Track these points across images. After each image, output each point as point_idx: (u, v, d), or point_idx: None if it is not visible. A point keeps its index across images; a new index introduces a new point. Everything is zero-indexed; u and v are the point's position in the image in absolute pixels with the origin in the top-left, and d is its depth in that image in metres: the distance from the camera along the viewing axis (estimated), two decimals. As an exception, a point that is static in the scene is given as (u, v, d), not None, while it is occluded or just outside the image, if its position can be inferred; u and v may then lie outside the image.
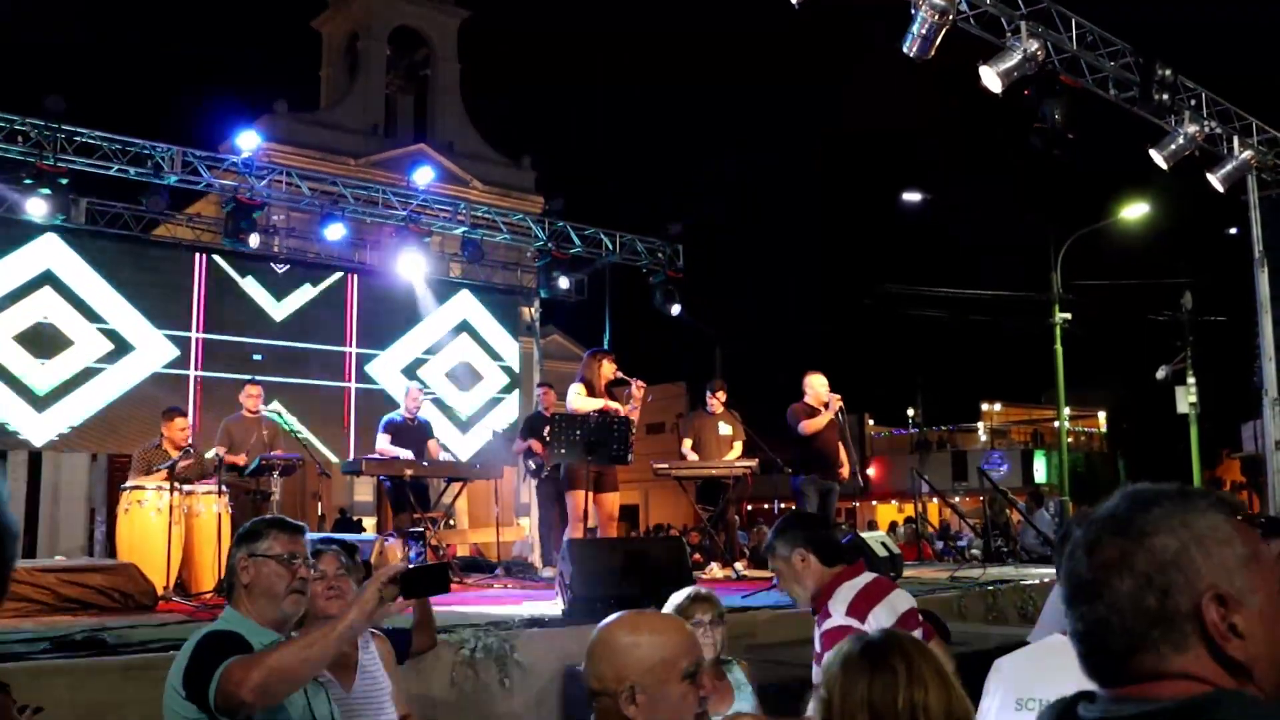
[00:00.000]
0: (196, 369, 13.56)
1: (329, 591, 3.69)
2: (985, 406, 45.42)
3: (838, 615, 3.78)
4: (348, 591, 3.67)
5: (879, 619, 3.71)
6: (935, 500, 29.79)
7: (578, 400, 9.20)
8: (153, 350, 13.33)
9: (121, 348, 13.12)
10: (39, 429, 12.60)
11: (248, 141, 13.29)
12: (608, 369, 9.33)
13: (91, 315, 12.97)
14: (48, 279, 12.72)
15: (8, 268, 12.48)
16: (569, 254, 15.63)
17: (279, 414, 10.49)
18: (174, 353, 13.47)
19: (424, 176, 14.98)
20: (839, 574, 3.94)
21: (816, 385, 10.49)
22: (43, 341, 12.59)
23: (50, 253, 12.76)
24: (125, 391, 13.07)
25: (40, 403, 12.53)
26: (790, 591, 4.03)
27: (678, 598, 4.11)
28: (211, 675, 2.64)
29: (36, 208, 11.83)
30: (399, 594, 2.77)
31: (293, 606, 3.06)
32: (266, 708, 2.67)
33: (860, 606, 3.79)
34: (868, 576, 3.98)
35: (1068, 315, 21.27)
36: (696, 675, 2.22)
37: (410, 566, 2.96)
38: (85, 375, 12.84)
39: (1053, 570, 10.38)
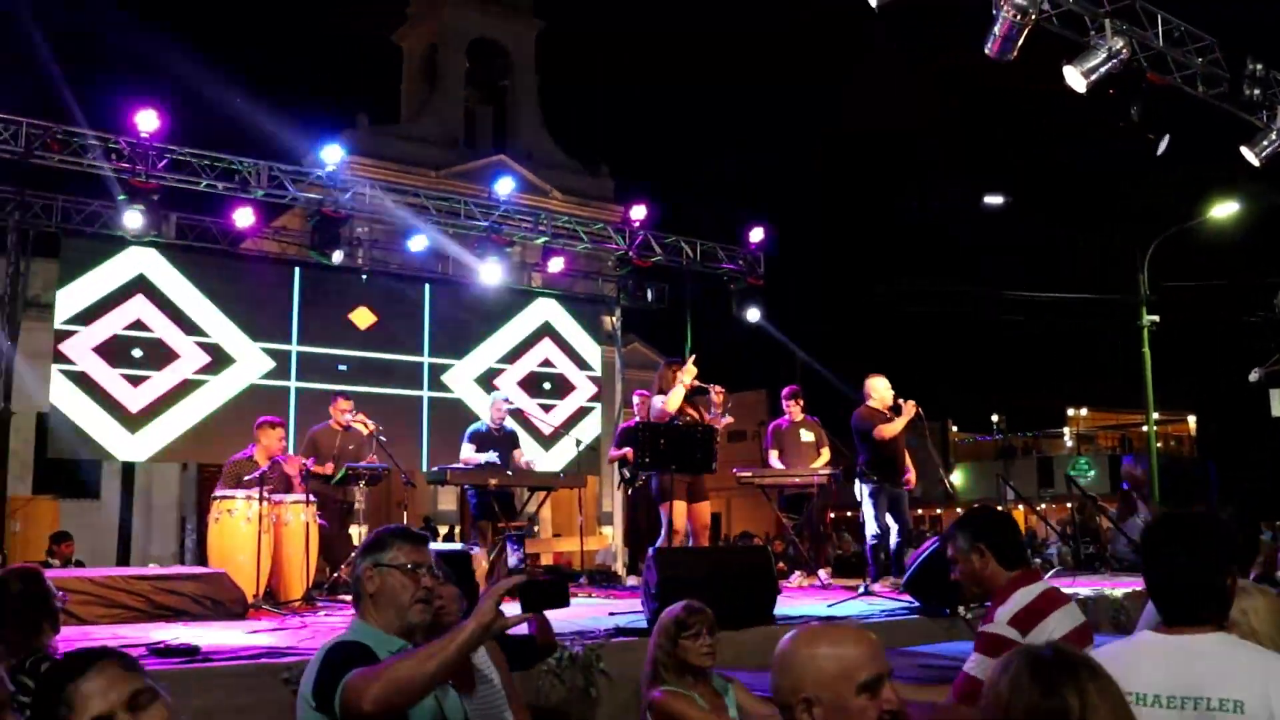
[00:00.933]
0: (294, 380, 13.85)
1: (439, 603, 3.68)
2: (1071, 411, 44.71)
3: (999, 622, 3.70)
4: (449, 598, 3.67)
5: (1043, 635, 3.57)
6: (1021, 507, 29.41)
7: (661, 402, 9.21)
8: (250, 362, 13.62)
9: (219, 360, 13.41)
10: (134, 448, 12.97)
11: (332, 155, 13.47)
12: (685, 377, 9.27)
13: (190, 328, 13.30)
14: (143, 292, 13.05)
15: (103, 282, 12.81)
16: (650, 262, 15.65)
17: (366, 423, 10.57)
18: (270, 364, 13.77)
19: (505, 187, 15.08)
20: (1016, 578, 3.82)
21: (879, 388, 10.25)
22: (137, 358, 12.88)
23: (148, 266, 13.12)
24: (222, 404, 13.38)
25: (133, 422, 12.85)
26: (965, 586, 3.97)
27: (674, 609, 4.19)
28: (337, 686, 2.69)
29: (132, 221, 12.08)
30: (522, 607, 2.79)
31: (419, 615, 3.08)
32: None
33: (1025, 619, 3.68)
34: (1042, 585, 3.86)
35: (1155, 318, 20.86)
36: (876, 687, 2.19)
37: (528, 579, 2.96)
38: (183, 390, 13.15)
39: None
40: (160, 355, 13.03)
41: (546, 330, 16.08)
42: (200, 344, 13.29)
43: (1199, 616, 2.63)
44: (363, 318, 14.50)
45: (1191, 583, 2.66)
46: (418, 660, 2.68)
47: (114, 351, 12.75)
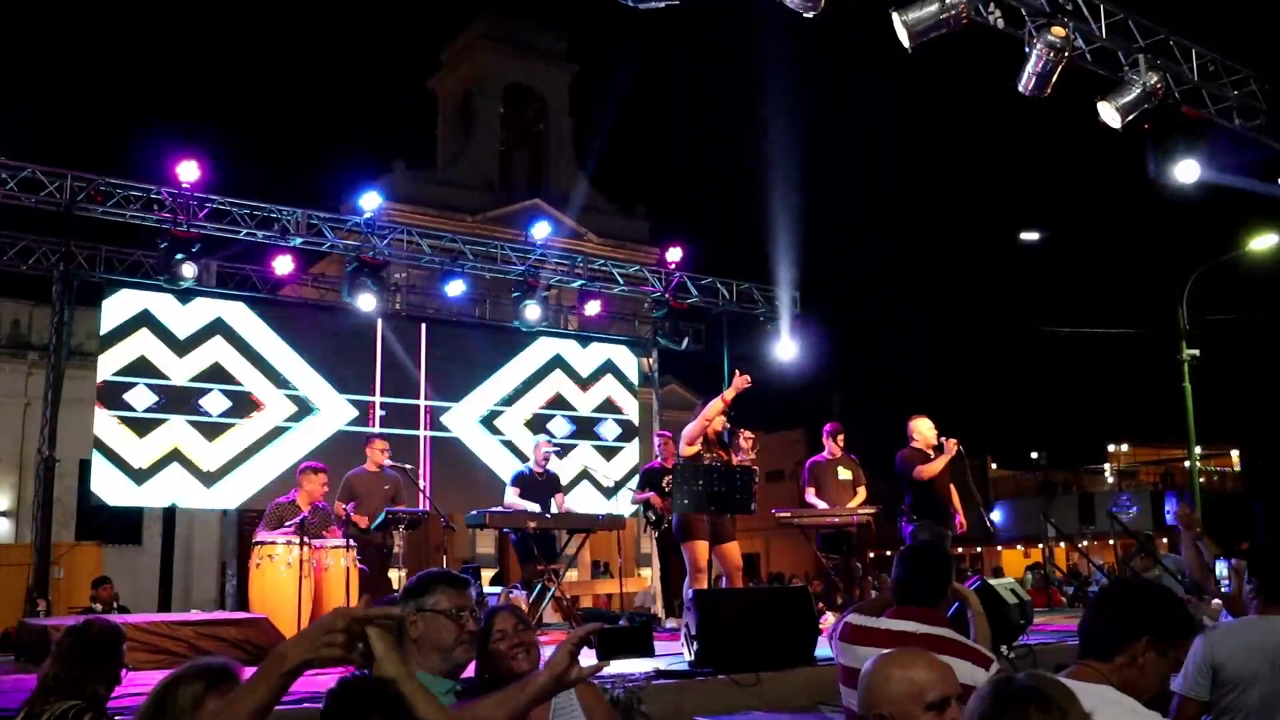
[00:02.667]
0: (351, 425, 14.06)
1: (514, 650, 3.58)
2: (1112, 447, 44.28)
3: None
4: (532, 644, 3.62)
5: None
6: (1062, 545, 29.12)
7: (686, 448, 9.17)
8: (278, 407, 13.77)
9: (245, 406, 13.57)
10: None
11: (370, 202, 13.61)
12: (715, 421, 9.23)
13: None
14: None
15: (146, 330, 13.04)
16: (686, 304, 15.69)
17: (405, 467, 10.62)
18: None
19: (541, 231, 15.17)
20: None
21: (923, 429, 10.23)
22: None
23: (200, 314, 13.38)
24: (247, 448, 13.55)
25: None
26: None
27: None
28: None
29: (187, 272, 12.27)
30: (599, 655, 2.75)
31: (464, 655, 3.11)
32: None
33: None
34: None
35: (1195, 351, 20.66)
36: (942, 708, 2.42)
37: (606, 626, 2.93)
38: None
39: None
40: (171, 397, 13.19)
41: (585, 375, 16.15)
42: (225, 391, 13.46)
43: (1090, 655, 2.84)
44: (404, 362, 14.65)
45: (1097, 629, 2.88)
46: (491, 705, 2.68)
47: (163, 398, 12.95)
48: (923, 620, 3.80)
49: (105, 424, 12.65)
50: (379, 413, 14.19)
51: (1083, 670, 2.77)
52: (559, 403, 15.88)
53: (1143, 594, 2.96)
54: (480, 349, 15.45)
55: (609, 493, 15.17)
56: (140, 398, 12.82)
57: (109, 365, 12.75)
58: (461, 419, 15.05)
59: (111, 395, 12.71)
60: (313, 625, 2.20)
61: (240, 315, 13.55)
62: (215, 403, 13.25)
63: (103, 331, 12.86)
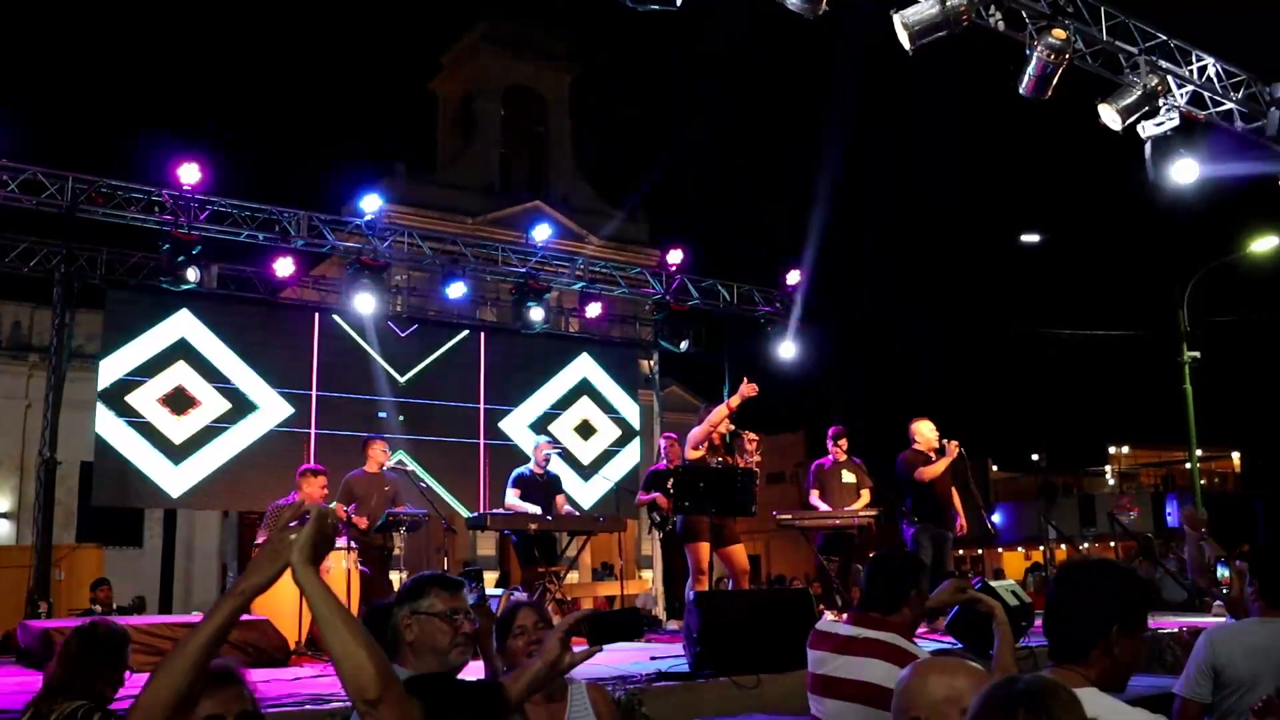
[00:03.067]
0: (315, 427, 13.93)
1: (530, 647, 3.62)
2: (1113, 449, 44.26)
3: None
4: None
5: None
6: (1063, 547, 29.09)
7: (691, 452, 9.19)
8: (273, 409, 13.73)
9: (243, 407, 13.53)
10: (175, 482, 13.05)
11: (371, 204, 13.60)
12: (716, 416, 9.25)
13: (215, 376, 13.44)
14: (181, 346, 13.20)
15: (150, 337, 13.03)
16: (687, 306, 15.69)
17: (405, 468, 10.62)
18: (290, 411, 13.92)
19: (542, 233, 15.17)
20: None
21: (925, 431, 10.26)
22: (178, 402, 13.03)
23: (183, 322, 13.27)
24: (246, 448, 13.50)
25: (176, 455, 12.99)
26: None
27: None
28: None
29: (190, 276, 12.28)
30: (590, 641, 2.73)
31: (459, 657, 3.09)
32: None
33: None
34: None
35: (1196, 353, 20.65)
36: None
37: (598, 612, 2.92)
38: (211, 433, 13.28)
39: (1193, 618, 10.05)
40: (187, 400, 13.17)
41: (584, 377, 16.17)
42: (221, 390, 13.43)
43: (1068, 658, 2.75)
44: (405, 365, 14.66)
45: (1069, 625, 2.78)
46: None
47: (160, 400, 12.94)
48: (877, 626, 3.86)
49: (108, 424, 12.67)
50: (380, 414, 14.18)
51: (1060, 675, 2.69)
52: (557, 404, 15.90)
53: (1102, 581, 2.83)
54: (487, 353, 15.45)
55: (585, 473, 15.21)
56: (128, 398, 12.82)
57: (107, 368, 12.76)
58: (462, 422, 15.08)
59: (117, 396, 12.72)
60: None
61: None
62: (176, 397, 13.19)
63: (105, 336, 12.91)
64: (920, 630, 8.96)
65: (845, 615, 4.06)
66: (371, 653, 2.22)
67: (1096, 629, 2.72)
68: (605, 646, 2.88)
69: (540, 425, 15.26)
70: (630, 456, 16.40)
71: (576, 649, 2.79)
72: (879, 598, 3.95)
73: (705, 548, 8.93)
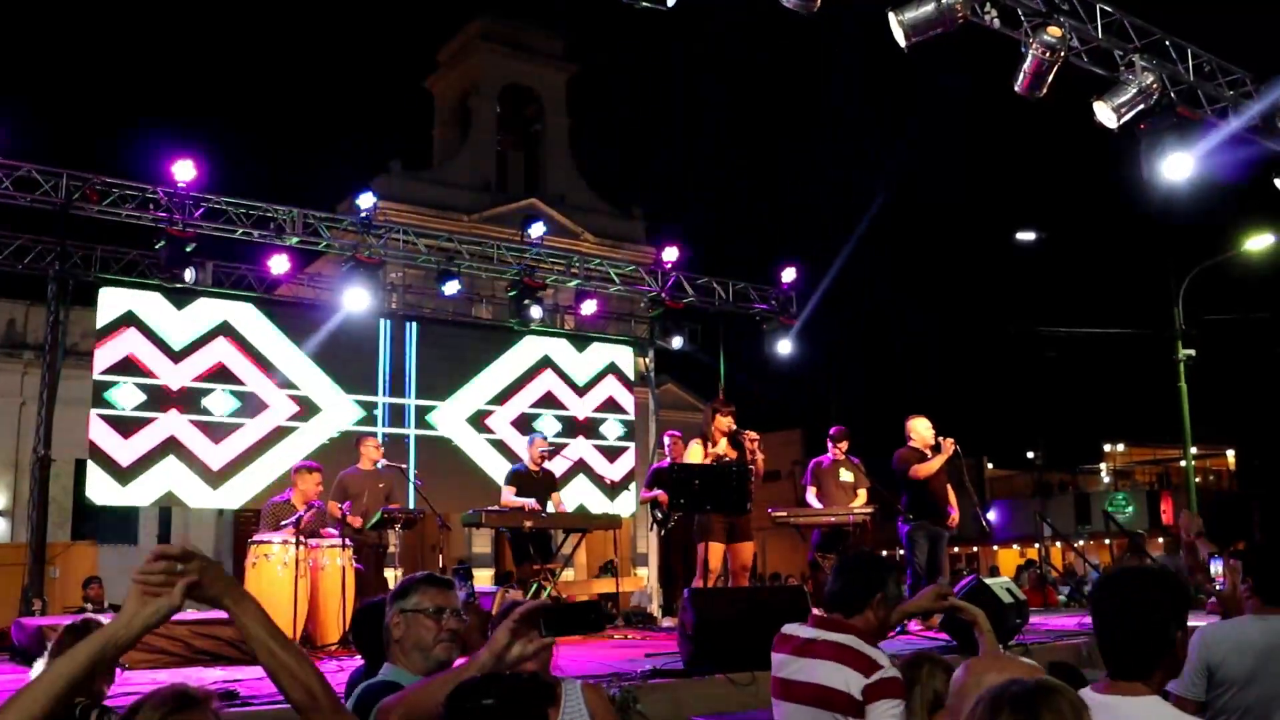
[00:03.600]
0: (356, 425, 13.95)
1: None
2: (1108, 447, 44.31)
3: None
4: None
5: None
6: (1058, 544, 29.15)
7: (691, 457, 9.25)
8: (280, 406, 13.71)
9: (244, 403, 13.49)
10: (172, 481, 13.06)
11: (366, 201, 13.59)
12: (723, 421, 9.30)
13: (212, 374, 13.38)
14: (177, 342, 13.14)
15: (146, 332, 12.94)
16: (682, 303, 15.68)
17: (400, 465, 10.60)
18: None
19: (537, 231, 15.16)
20: None
21: (921, 429, 10.27)
22: (169, 398, 13.01)
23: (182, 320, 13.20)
24: (245, 449, 13.45)
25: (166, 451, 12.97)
26: None
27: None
28: None
29: (186, 277, 12.26)
30: (543, 632, 2.66)
31: (445, 653, 3.14)
32: None
33: None
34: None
35: (1191, 351, 20.66)
36: None
37: (552, 603, 2.86)
38: (206, 430, 13.22)
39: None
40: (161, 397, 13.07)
41: (579, 374, 16.11)
42: (217, 387, 13.37)
43: (1133, 674, 2.66)
44: (401, 361, 14.62)
45: (1132, 639, 2.69)
46: (438, 685, 2.65)
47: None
48: (837, 629, 3.81)
49: (95, 423, 12.62)
50: (377, 412, 14.18)
51: (1120, 689, 2.66)
52: (549, 402, 15.82)
53: (1157, 589, 2.75)
54: (478, 350, 15.40)
55: (611, 493, 15.17)
56: (128, 396, 12.75)
57: (100, 363, 12.71)
58: (449, 418, 15.04)
59: (98, 394, 12.66)
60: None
61: (244, 315, 13.49)
62: (219, 402, 13.20)
63: (98, 333, 12.84)
64: (914, 627, 9.00)
65: (809, 618, 3.98)
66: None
67: (1162, 640, 2.67)
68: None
69: (525, 422, 15.24)
70: (628, 454, 16.35)
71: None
72: (842, 599, 3.90)
73: (719, 547, 8.96)
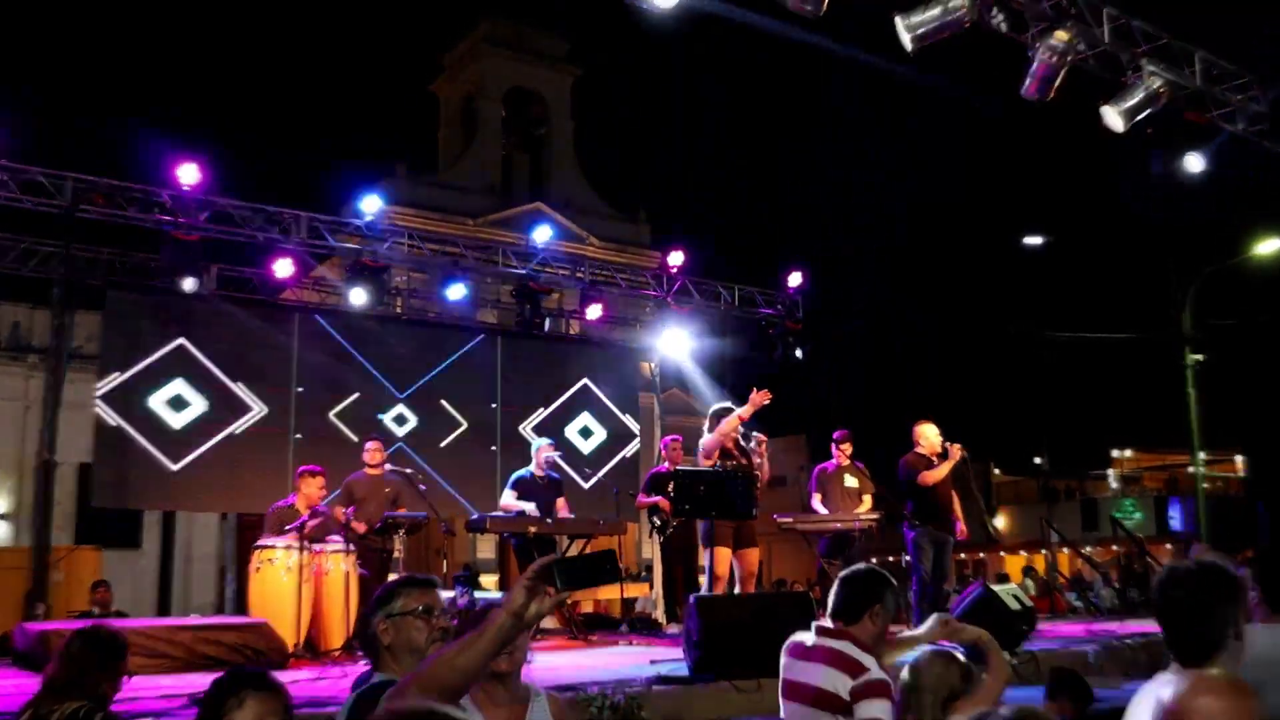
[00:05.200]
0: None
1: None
2: (1116, 453, 44.18)
3: None
4: (517, 647, 3.58)
5: None
6: (1065, 550, 29.03)
7: (704, 461, 9.17)
8: (278, 412, 13.59)
9: (238, 409, 13.30)
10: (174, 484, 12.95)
11: (371, 205, 13.56)
12: (728, 426, 9.22)
13: (212, 378, 13.23)
14: (179, 348, 13.05)
15: (149, 338, 12.87)
16: (688, 308, 15.65)
17: (406, 470, 10.57)
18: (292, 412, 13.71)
19: (542, 235, 15.13)
20: None
21: (929, 435, 10.25)
22: (176, 403, 12.92)
23: (182, 324, 13.12)
24: (245, 450, 13.25)
25: (175, 456, 12.82)
26: None
27: None
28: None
29: (187, 285, 12.20)
30: (559, 586, 2.57)
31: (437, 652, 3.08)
32: None
33: None
34: None
35: (1199, 356, 20.61)
36: None
37: (565, 556, 2.86)
38: (208, 434, 13.07)
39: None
40: (184, 402, 12.95)
41: (585, 379, 16.03)
42: (218, 392, 13.24)
43: (1194, 663, 2.84)
44: (407, 367, 14.53)
45: (1197, 632, 2.91)
46: (451, 654, 2.55)
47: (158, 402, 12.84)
48: (836, 636, 4.09)
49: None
50: (378, 415, 14.12)
51: (1190, 675, 2.76)
52: (556, 406, 15.76)
53: (1219, 582, 2.96)
54: (487, 356, 15.32)
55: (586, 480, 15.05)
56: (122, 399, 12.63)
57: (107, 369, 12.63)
58: (475, 425, 14.96)
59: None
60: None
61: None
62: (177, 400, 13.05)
63: (104, 336, 12.78)
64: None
65: (814, 624, 4.27)
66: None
67: (1225, 626, 2.89)
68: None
69: (542, 428, 15.18)
70: (632, 458, 16.30)
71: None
72: (842, 608, 4.17)
73: (726, 554, 8.92)
